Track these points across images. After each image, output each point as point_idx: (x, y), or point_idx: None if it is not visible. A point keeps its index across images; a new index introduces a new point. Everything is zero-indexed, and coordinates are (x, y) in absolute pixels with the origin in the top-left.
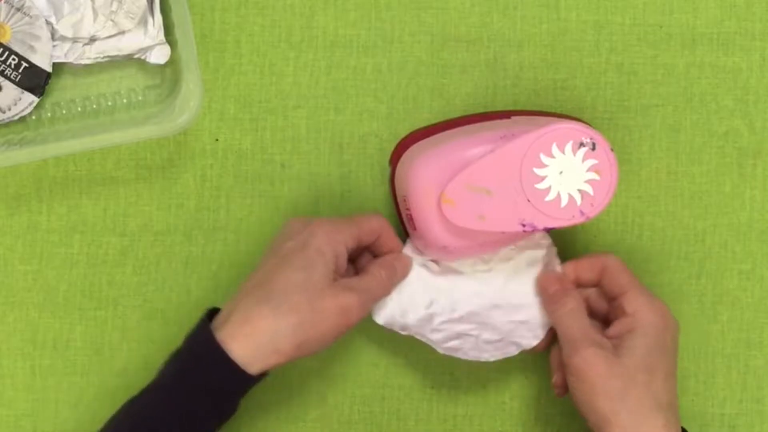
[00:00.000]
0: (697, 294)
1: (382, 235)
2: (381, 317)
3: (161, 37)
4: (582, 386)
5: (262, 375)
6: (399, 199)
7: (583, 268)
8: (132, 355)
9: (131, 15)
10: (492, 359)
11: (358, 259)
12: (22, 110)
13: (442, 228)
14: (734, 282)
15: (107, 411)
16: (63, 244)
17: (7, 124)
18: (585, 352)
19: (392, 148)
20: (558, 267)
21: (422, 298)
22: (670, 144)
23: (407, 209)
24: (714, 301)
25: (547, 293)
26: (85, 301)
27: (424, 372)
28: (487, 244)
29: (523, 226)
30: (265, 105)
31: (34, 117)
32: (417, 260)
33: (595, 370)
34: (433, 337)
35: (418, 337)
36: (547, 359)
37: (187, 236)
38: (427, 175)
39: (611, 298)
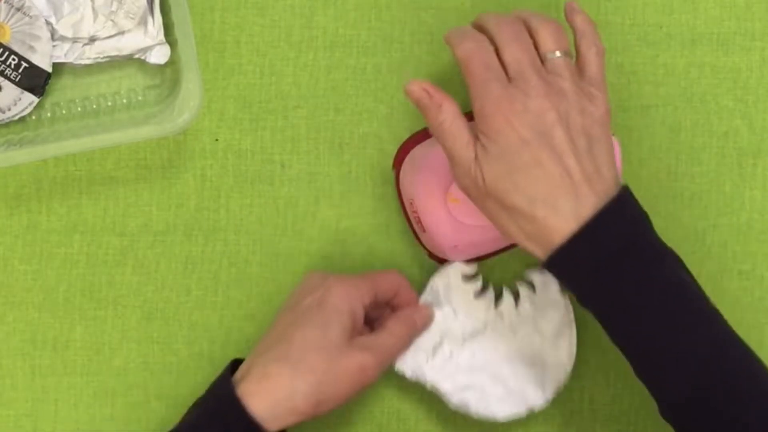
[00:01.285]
0: None
1: (399, 292)
2: (401, 366)
3: (161, 37)
4: (468, 186)
5: None
6: (406, 203)
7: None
8: (132, 355)
9: (131, 15)
10: (502, 418)
11: (377, 313)
12: (22, 110)
13: (451, 228)
14: (734, 282)
15: (107, 411)
16: (63, 244)
17: (7, 124)
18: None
19: (392, 149)
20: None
21: (435, 341)
22: (670, 144)
23: (415, 212)
24: (714, 301)
25: (420, 104)
26: (85, 301)
27: None
28: (498, 240)
29: None
30: (265, 105)
31: (34, 117)
32: (436, 309)
33: (471, 167)
34: (445, 386)
35: (433, 386)
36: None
37: (187, 236)
38: (431, 177)
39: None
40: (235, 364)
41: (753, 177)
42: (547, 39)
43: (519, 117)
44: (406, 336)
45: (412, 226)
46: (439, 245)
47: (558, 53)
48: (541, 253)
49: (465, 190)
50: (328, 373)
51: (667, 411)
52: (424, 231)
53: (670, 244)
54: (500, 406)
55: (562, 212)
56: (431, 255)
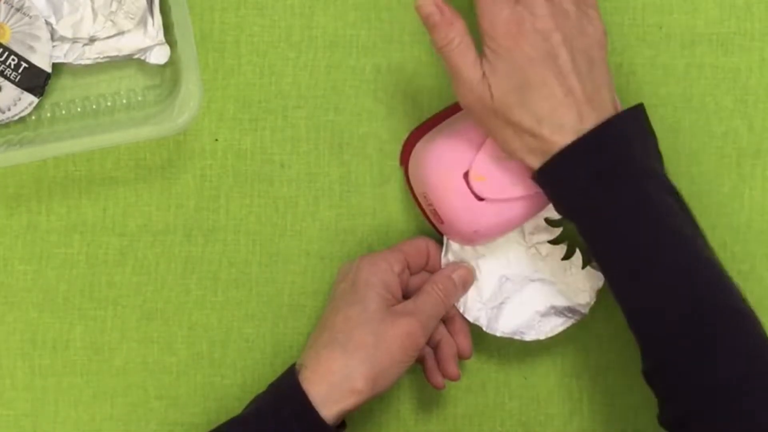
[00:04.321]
0: None
1: (431, 254)
2: (469, 315)
3: (161, 37)
4: (473, 105)
5: (340, 427)
6: (419, 197)
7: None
8: (132, 355)
9: (131, 15)
10: (553, 333)
11: (417, 280)
12: (22, 110)
13: (468, 214)
14: None
15: (107, 411)
16: (63, 244)
17: (7, 125)
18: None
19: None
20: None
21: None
22: (670, 144)
23: (430, 205)
24: None
25: (429, 22)
26: (84, 301)
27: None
28: (516, 218)
29: None
30: (265, 105)
31: (33, 117)
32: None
33: (478, 84)
34: (500, 324)
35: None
36: (546, 359)
37: (186, 236)
38: (441, 167)
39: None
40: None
41: (752, 177)
42: None
43: (527, 36)
44: (445, 295)
45: (429, 219)
46: (459, 233)
47: None
48: (538, 165)
49: (468, 107)
50: (377, 345)
51: (634, 324)
52: (442, 222)
53: None
54: (549, 326)
55: (565, 129)
56: None
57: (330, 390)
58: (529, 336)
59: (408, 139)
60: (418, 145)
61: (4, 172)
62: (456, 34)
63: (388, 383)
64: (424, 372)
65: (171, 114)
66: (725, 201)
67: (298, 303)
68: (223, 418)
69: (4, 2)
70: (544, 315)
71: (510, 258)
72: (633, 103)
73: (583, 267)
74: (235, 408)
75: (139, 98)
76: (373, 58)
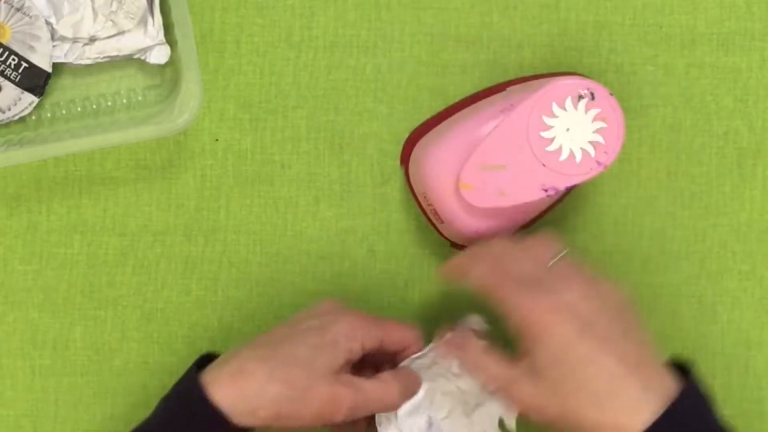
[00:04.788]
0: (697, 294)
1: (410, 348)
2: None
3: (161, 37)
4: (541, 419)
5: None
6: (419, 197)
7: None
8: (132, 355)
9: (131, 15)
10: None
11: (380, 359)
12: (22, 110)
13: (467, 214)
14: (734, 282)
15: (107, 411)
16: (63, 244)
17: (7, 124)
18: (512, 392)
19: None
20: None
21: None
22: (670, 144)
23: (430, 205)
24: (714, 301)
25: (462, 361)
26: (85, 301)
27: None
28: (516, 218)
29: (546, 191)
30: (265, 105)
31: (33, 117)
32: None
33: (531, 406)
34: None
35: None
36: None
37: (187, 236)
38: (440, 167)
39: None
40: (204, 357)
41: (753, 177)
42: (545, 251)
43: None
44: (397, 392)
45: (429, 219)
46: (459, 234)
47: (558, 255)
48: None
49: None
50: (299, 392)
51: None
52: (442, 222)
53: (670, 244)
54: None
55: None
56: (453, 245)
57: (238, 401)
58: None
59: (408, 139)
60: (418, 145)
61: (4, 172)
62: (473, 348)
63: (289, 427)
64: None
65: (171, 114)
66: (726, 201)
67: (298, 303)
68: None
69: (4, 2)
70: None
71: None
72: (634, 103)
73: None
74: None
75: (140, 98)
76: (373, 58)
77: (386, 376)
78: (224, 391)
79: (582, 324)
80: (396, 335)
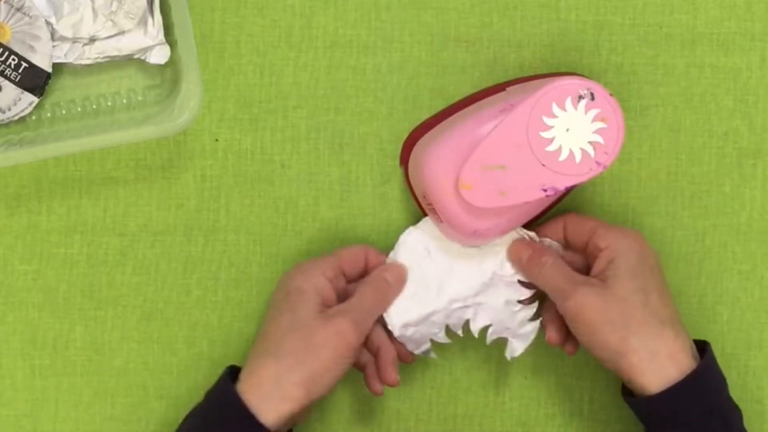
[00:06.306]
0: (697, 294)
1: (369, 261)
2: (394, 326)
3: (161, 37)
4: (584, 327)
5: None
6: (419, 197)
7: (548, 232)
8: (132, 355)
9: (131, 15)
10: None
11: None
12: (22, 110)
13: (467, 214)
14: (734, 282)
15: (107, 411)
16: (63, 244)
17: (7, 124)
18: (576, 294)
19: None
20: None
21: (417, 288)
22: (670, 144)
23: (429, 205)
24: (714, 301)
25: (523, 260)
26: (85, 301)
27: (423, 372)
28: (516, 218)
29: (545, 191)
30: (265, 105)
31: (34, 117)
32: (415, 253)
33: (591, 307)
34: (436, 330)
35: (427, 333)
36: (545, 359)
37: (187, 236)
38: (440, 167)
39: (582, 249)
40: (232, 369)
41: (753, 177)
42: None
43: None
44: (378, 292)
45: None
46: (458, 233)
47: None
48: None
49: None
50: (307, 350)
51: None
52: (441, 222)
53: (670, 244)
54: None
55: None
56: None
57: (263, 399)
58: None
59: (408, 139)
60: (418, 145)
61: (4, 172)
62: (548, 256)
63: (325, 387)
64: (365, 379)
65: (171, 114)
66: (726, 201)
67: None
68: None
69: (5, 2)
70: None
71: (462, 277)
72: (634, 103)
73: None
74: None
75: (140, 98)
76: (373, 58)
77: (359, 285)
78: (249, 396)
79: (654, 258)
80: (349, 255)
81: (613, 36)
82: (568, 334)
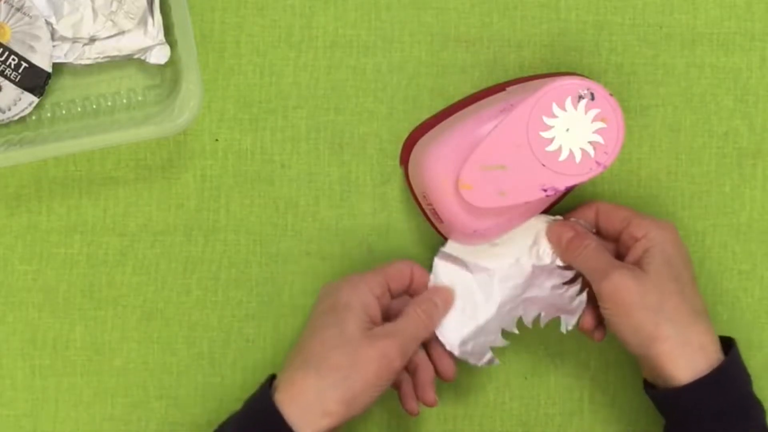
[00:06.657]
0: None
1: (414, 277)
2: (453, 346)
3: (161, 37)
4: (618, 309)
5: None
6: (419, 197)
7: (579, 218)
8: (132, 355)
9: (131, 15)
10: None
11: (399, 304)
12: (22, 110)
13: (467, 214)
14: (734, 282)
15: (107, 411)
16: (63, 244)
17: (7, 124)
18: (613, 275)
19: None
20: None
21: (467, 305)
22: (670, 144)
23: (429, 204)
24: (714, 301)
25: (563, 242)
26: (85, 301)
27: None
28: (515, 217)
29: (545, 191)
30: (265, 105)
31: (34, 117)
32: (451, 272)
33: (628, 290)
34: (492, 337)
35: (485, 342)
36: (546, 359)
37: (187, 236)
38: (440, 167)
39: (615, 238)
40: (272, 378)
41: (753, 177)
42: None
43: None
44: (426, 316)
45: (429, 219)
46: (458, 233)
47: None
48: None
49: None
50: (351, 368)
51: None
52: (442, 222)
53: None
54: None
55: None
56: None
57: (303, 412)
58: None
59: (408, 139)
60: (418, 145)
61: (4, 172)
62: (591, 240)
63: (363, 406)
64: (399, 398)
65: (171, 114)
66: (726, 201)
67: (298, 303)
68: (223, 418)
69: (5, 2)
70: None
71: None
72: (634, 103)
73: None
74: (235, 408)
75: (140, 98)
76: (373, 58)
77: (409, 307)
78: (289, 408)
79: (686, 250)
80: (395, 272)
81: (613, 36)
82: (599, 321)
